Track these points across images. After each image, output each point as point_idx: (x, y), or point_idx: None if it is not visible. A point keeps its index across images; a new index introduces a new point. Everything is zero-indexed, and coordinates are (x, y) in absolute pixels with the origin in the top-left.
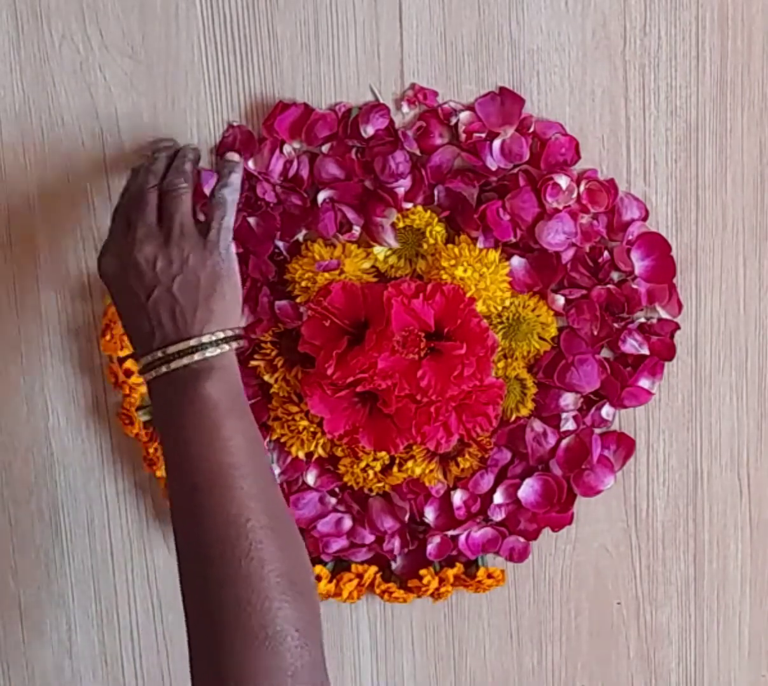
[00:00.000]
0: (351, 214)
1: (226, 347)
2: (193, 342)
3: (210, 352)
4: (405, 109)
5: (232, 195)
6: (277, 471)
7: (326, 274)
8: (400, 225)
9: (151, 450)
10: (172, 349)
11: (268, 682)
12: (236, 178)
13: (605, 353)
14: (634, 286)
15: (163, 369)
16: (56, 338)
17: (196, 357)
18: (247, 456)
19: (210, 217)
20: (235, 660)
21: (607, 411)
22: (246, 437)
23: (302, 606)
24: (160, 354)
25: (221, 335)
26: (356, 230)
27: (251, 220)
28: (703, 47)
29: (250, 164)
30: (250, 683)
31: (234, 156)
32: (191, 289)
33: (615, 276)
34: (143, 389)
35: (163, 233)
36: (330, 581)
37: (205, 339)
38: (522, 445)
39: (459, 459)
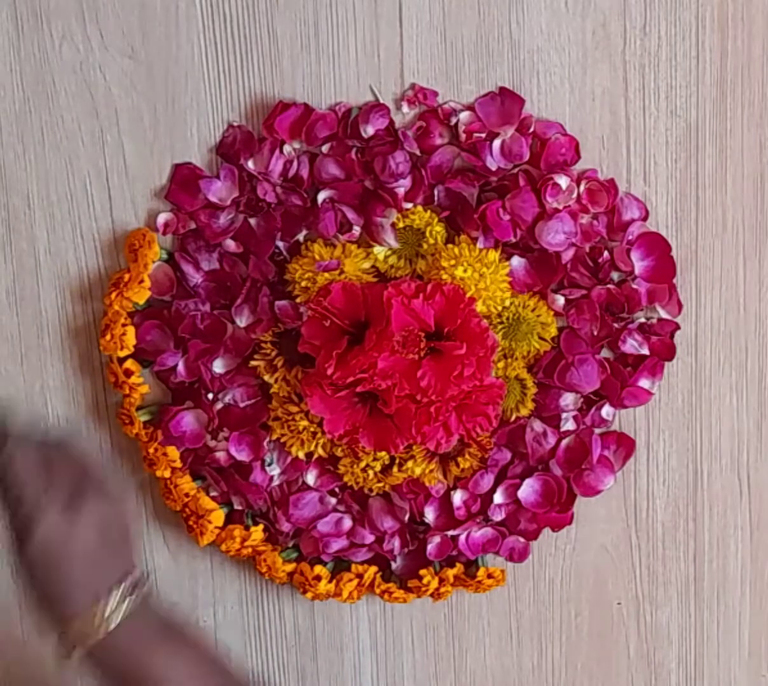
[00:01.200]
0: (351, 214)
1: (135, 599)
2: (101, 603)
3: (124, 607)
4: (405, 109)
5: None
6: (277, 471)
7: (326, 274)
8: (400, 225)
9: (151, 450)
10: (86, 619)
11: None
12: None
13: (605, 353)
14: (634, 286)
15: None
16: (56, 338)
17: (112, 615)
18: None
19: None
20: None
21: (607, 411)
22: (188, 674)
23: None
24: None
25: (129, 582)
26: (356, 230)
27: (252, 221)
28: (703, 47)
29: (250, 164)
30: None
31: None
32: (52, 571)
33: (615, 276)
34: (143, 389)
35: None
36: (330, 581)
37: (106, 601)
38: (522, 445)
39: (459, 459)
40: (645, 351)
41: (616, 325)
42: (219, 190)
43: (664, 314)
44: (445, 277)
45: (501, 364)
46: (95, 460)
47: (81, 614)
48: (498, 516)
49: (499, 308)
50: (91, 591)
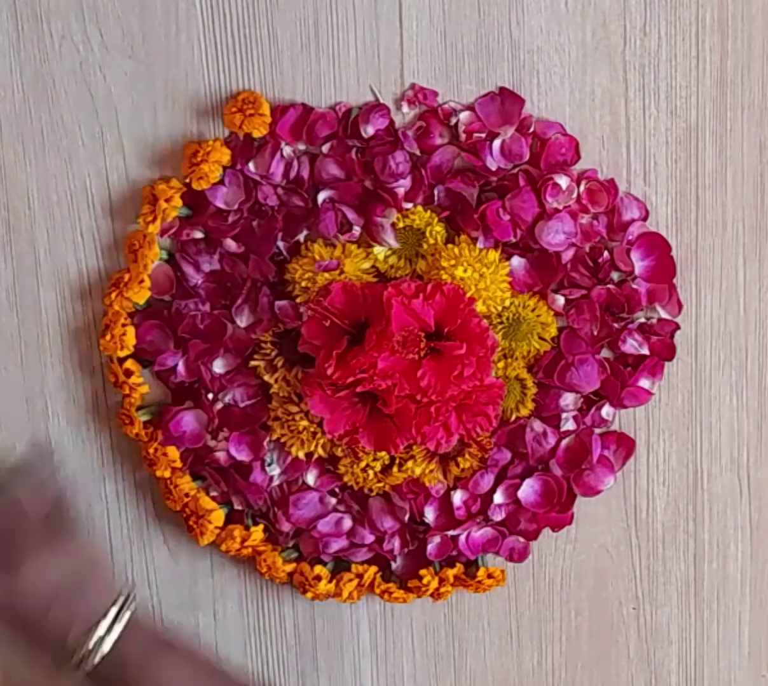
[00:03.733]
0: (351, 215)
1: (125, 618)
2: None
3: (116, 628)
4: (405, 109)
5: None
6: (277, 471)
7: (326, 274)
8: (400, 225)
9: (151, 450)
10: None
11: None
12: None
13: (605, 353)
14: (634, 286)
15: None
16: (56, 338)
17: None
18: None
19: None
20: None
21: (607, 411)
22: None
23: None
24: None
25: (116, 606)
26: (356, 230)
27: (253, 222)
28: (703, 47)
29: (251, 167)
30: None
31: None
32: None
33: (615, 276)
34: (143, 389)
35: None
36: (330, 581)
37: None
38: (522, 445)
39: (459, 459)
40: (645, 351)
41: (616, 325)
42: (225, 195)
43: (664, 314)
44: (445, 277)
45: (501, 364)
46: (38, 496)
47: (70, 649)
48: (498, 516)
49: (499, 308)
50: (74, 629)
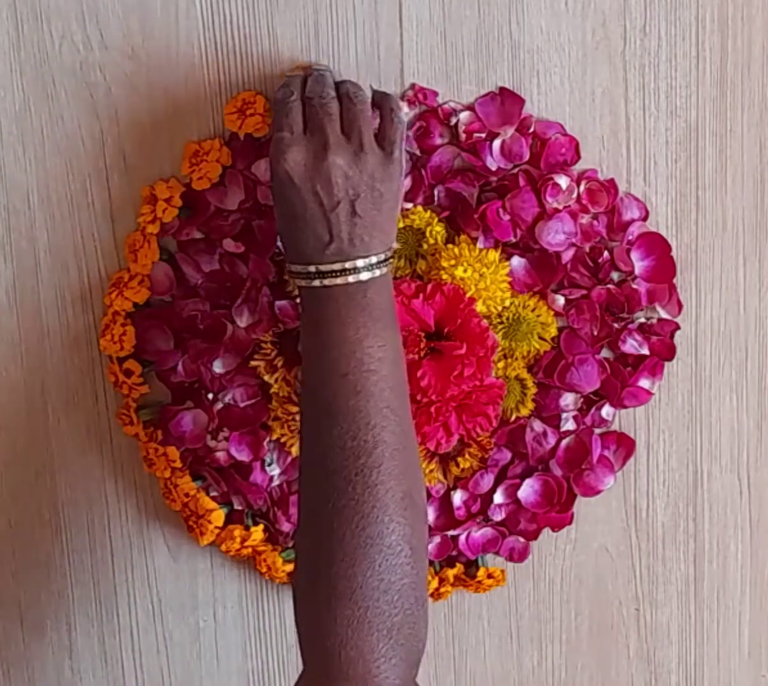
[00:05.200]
0: None
1: (388, 266)
2: (373, 258)
3: (379, 271)
4: (405, 109)
5: (404, 117)
6: (277, 471)
7: None
8: (400, 225)
9: (151, 450)
10: (349, 265)
11: (372, 595)
12: (401, 104)
13: (605, 353)
14: (634, 286)
15: (338, 280)
16: (56, 338)
17: (365, 275)
18: (395, 368)
19: (392, 136)
20: (345, 566)
21: (607, 411)
22: (396, 350)
23: (418, 527)
24: (337, 266)
25: (389, 254)
26: None
27: (253, 222)
28: (703, 47)
29: (254, 169)
30: (355, 594)
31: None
32: (373, 207)
33: (615, 276)
34: (143, 389)
35: (353, 145)
36: None
37: (376, 258)
38: (522, 445)
39: (459, 459)
40: (645, 351)
41: (616, 325)
42: (225, 196)
43: (664, 314)
44: (445, 277)
45: (501, 364)
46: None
47: (361, 256)
48: (498, 516)
49: (499, 308)
50: (381, 242)
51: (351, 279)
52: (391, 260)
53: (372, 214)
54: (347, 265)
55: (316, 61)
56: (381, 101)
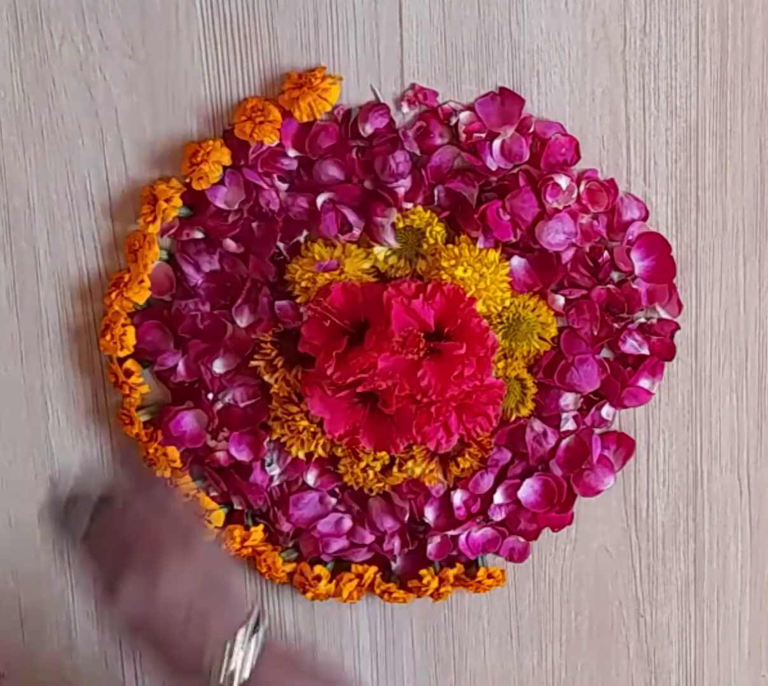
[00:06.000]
0: (352, 216)
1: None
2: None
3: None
4: (405, 109)
5: None
6: (277, 471)
7: (326, 274)
8: (400, 225)
9: (151, 450)
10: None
11: None
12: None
13: (605, 353)
14: (634, 286)
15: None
16: (56, 338)
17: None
18: None
19: None
20: None
21: (607, 411)
22: None
23: None
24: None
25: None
26: (356, 230)
27: (253, 222)
28: (703, 47)
29: (253, 172)
30: None
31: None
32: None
33: (615, 276)
34: (143, 389)
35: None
36: (330, 581)
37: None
38: (522, 445)
39: (459, 459)
40: (645, 351)
41: (616, 325)
42: (225, 196)
43: (664, 314)
44: (445, 277)
45: (501, 364)
46: (175, 507)
47: (208, 670)
48: (498, 516)
49: (499, 308)
50: (209, 647)
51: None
52: (257, 638)
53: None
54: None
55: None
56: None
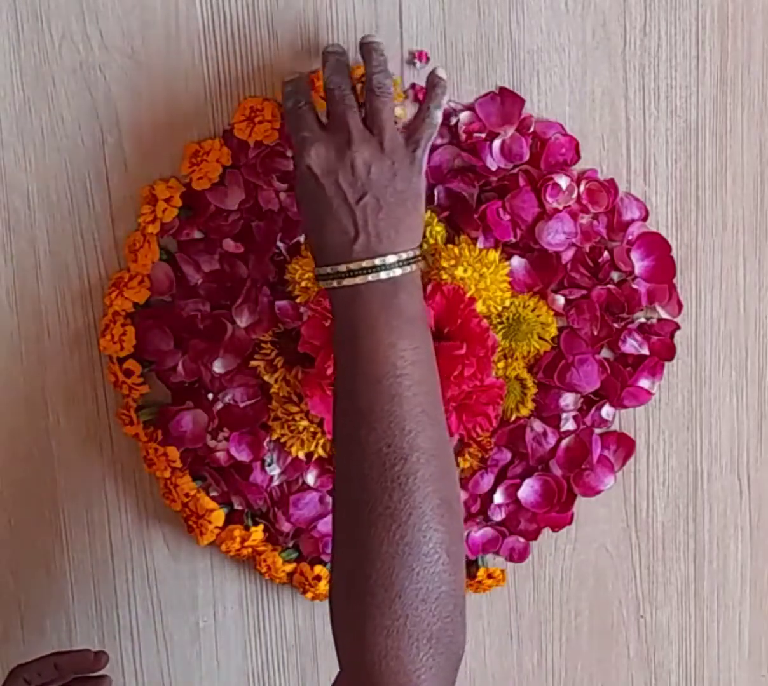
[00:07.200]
0: None
1: (417, 265)
2: (401, 255)
3: (409, 268)
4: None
5: (440, 118)
6: (277, 471)
7: None
8: None
9: (151, 450)
10: (378, 261)
11: (411, 604)
12: (445, 100)
13: (605, 353)
14: (634, 286)
15: (369, 277)
16: (56, 338)
17: (398, 272)
18: (429, 371)
19: (419, 134)
20: (383, 575)
21: (607, 411)
22: (428, 353)
23: (455, 534)
24: (366, 263)
25: (418, 252)
26: None
27: (253, 222)
28: (703, 47)
29: (253, 174)
30: (394, 603)
31: (443, 73)
32: (398, 202)
33: (615, 276)
34: (143, 389)
35: (376, 140)
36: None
37: (405, 255)
38: (522, 445)
39: (459, 459)
40: (645, 351)
41: (616, 325)
42: (225, 195)
43: (664, 314)
44: (445, 277)
45: (501, 364)
46: None
47: (390, 253)
48: (498, 516)
49: (499, 308)
50: (406, 239)
51: (383, 275)
52: (419, 259)
53: (397, 210)
54: (377, 261)
55: (332, 43)
56: (426, 94)
